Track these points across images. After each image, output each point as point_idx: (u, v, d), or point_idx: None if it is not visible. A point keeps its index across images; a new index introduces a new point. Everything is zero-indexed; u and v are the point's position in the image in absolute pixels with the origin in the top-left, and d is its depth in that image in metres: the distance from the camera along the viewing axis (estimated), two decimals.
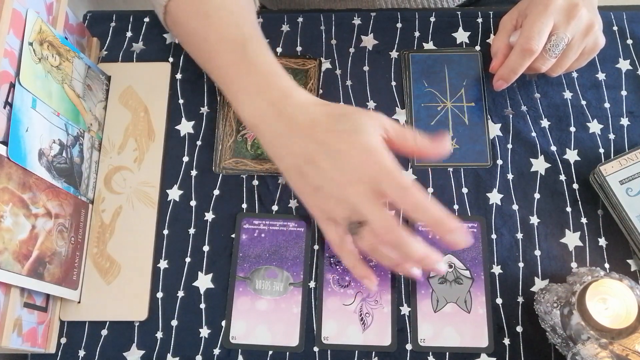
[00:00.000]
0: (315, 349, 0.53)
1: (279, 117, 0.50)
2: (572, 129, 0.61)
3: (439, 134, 0.50)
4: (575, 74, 0.63)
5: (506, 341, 0.53)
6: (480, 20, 0.66)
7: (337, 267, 0.55)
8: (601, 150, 0.60)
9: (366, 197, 0.46)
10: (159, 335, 0.54)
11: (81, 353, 0.53)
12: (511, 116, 0.61)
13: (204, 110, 0.62)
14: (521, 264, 0.56)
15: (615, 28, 0.65)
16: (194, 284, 0.55)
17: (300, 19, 0.66)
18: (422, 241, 0.47)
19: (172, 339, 0.54)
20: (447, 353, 0.53)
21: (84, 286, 0.54)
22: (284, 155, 0.50)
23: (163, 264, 0.56)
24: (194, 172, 0.59)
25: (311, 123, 0.49)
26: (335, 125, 0.48)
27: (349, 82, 0.63)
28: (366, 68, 0.63)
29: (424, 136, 0.50)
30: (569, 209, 0.57)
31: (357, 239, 0.49)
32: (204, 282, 0.55)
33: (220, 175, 0.59)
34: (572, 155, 0.60)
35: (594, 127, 0.61)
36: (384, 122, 0.49)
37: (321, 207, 0.50)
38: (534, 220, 0.57)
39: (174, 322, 0.54)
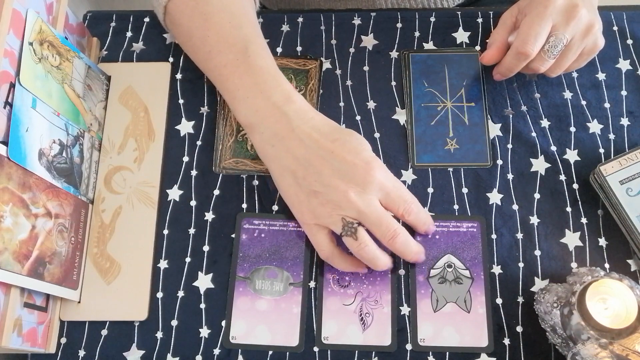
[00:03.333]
0: (315, 349, 0.53)
1: (280, 118, 0.51)
2: (572, 129, 0.61)
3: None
4: (575, 74, 0.63)
5: (506, 341, 0.53)
6: (480, 20, 0.66)
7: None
8: (601, 150, 0.60)
9: (370, 205, 0.49)
10: (159, 335, 0.54)
11: (81, 353, 0.53)
12: (511, 116, 0.61)
13: (204, 110, 0.62)
14: (521, 264, 0.56)
15: (615, 28, 0.65)
16: (194, 284, 0.55)
17: (300, 19, 0.66)
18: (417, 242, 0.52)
19: (172, 339, 0.54)
20: (447, 353, 0.53)
21: (84, 286, 0.54)
22: (281, 157, 0.51)
23: (163, 264, 0.56)
24: (194, 172, 0.59)
25: (312, 129, 0.51)
26: (338, 135, 0.51)
27: (349, 82, 0.63)
28: (366, 68, 0.63)
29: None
30: (569, 209, 0.57)
31: (350, 240, 0.50)
32: (204, 282, 0.55)
33: (220, 175, 0.59)
34: (572, 155, 0.60)
35: (594, 127, 0.61)
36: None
37: (315, 212, 0.50)
38: (534, 220, 0.57)
39: (174, 322, 0.54)
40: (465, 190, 0.58)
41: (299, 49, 0.64)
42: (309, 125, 0.51)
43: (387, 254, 0.52)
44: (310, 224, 0.51)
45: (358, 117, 0.61)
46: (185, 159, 0.60)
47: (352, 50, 0.64)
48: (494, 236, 0.57)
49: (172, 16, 0.57)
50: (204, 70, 0.57)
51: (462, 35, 0.65)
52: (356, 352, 0.53)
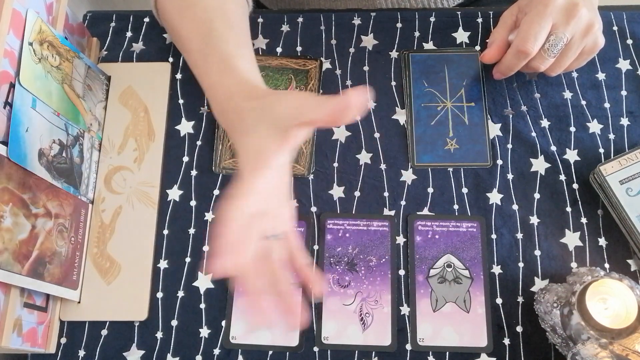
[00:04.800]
0: (315, 349, 0.53)
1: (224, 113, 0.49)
2: (572, 129, 0.61)
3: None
4: (575, 74, 0.63)
5: (506, 341, 0.53)
6: (480, 20, 0.66)
7: (337, 267, 0.55)
8: (601, 150, 0.60)
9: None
10: (159, 335, 0.54)
11: (81, 353, 0.53)
12: (511, 116, 0.61)
13: (204, 110, 0.62)
14: (521, 264, 0.56)
15: (615, 28, 0.65)
16: (194, 284, 0.55)
17: (300, 19, 0.66)
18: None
19: (172, 339, 0.54)
20: (447, 353, 0.53)
21: (84, 286, 0.54)
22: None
23: (163, 264, 0.56)
24: (194, 172, 0.59)
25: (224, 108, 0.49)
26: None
27: (349, 82, 0.63)
28: (366, 68, 0.63)
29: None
30: (569, 209, 0.57)
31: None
32: (204, 282, 0.55)
33: (220, 175, 0.59)
34: (572, 155, 0.59)
35: (594, 127, 0.61)
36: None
37: None
38: (534, 220, 0.57)
39: (174, 322, 0.54)
40: (465, 190, 0.58)
41: (299, 49, 0.64)
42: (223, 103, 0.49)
43: None
44: None
45: (358, 117, 0.61)
46: (185, 159, 0.60)
47: (352, 50, 0.64)
48: (493, 236, 0.56)
49: (161, 12, 0.58)
50: (190, 67, 0.56)
51: (462, 35, 0.65)
52: (356, 352, 0.53)
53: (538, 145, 0.60)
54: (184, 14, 0.54)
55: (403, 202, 0.58)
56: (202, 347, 0.53)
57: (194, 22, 0.53)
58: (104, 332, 0.54)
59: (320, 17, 0.66)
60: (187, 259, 0.56)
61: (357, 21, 0.66)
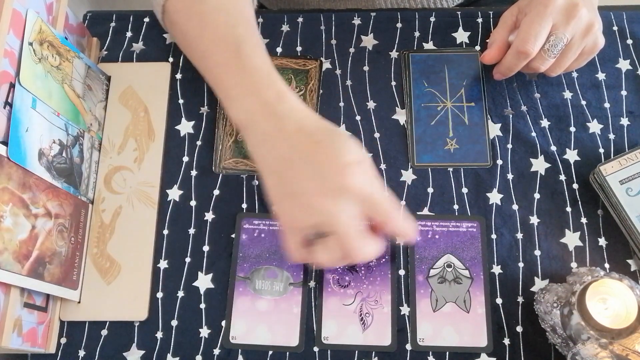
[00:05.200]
0: (315, 349, 0.53)
1: (269, 117, 0.49)
2: (572, 129, 0.61)
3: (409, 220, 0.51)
4: (575, 74, 0.63)
5: (506, 341, 0.53)
6: (480, 20, 0.66)
7: (337, 267, 0.55)
8: (601, 150, 0.60)
9: (341, 212, 0.46)
10: (159, 335, 0.54)
11: (81, 353, 0.53)
12: (511, 116, 0.61)
13: (204, 110, 0.62)
14: (521, 264, 0.56)
15: (615, 28, 0.65)
16: (194, 284, 0.55)
17: (300, 19, 0.66)
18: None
19: (172, 339, 0.54)
20: (447, 353, 0.53)
21: (84, 286, 0.54)
22: (267, 157, 0.49)
23: (163, 264, 0.56)
24: (194, 172, 0.59)
25: (298, 130, 0.49)
26: (324, 137, 0.48)
27: (349, 82, 0.63)
28: (366, 68, 0.63)
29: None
30: (569, 209, 0.57)
31: (316, 247, 0.48)
32: (204, 282, 0.55)
33: (220, 175, 0.59)
34: (572, 155, 0.60)
35: (594, 127, 0.61)
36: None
37: (290, 215, 0.49)
38: (534, 220, 0.57)
39: (174, 322, 0.54)
40: (465, 190, 0.58)
41: (298, 49, 0.64)
42: (297, 125, 0.49)
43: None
44: (288, 225, 0.49)
45: (358, 117, 0.61)
46: (185, 159, 0.60)
47: (352, 50, 0.64)
48: (493, 236, 0.57)
49: (170, 16, 0.57)
50: (200, 70, 0.57)
51: (462, 35, 0.65)
52: (356, 352, 0.53)
53: (538, 145, 0.60)
54: (204, 21, 0.54)
55: (403, 202, 0.58)
56: (202, 347, 0.53)
57: (218, 31, 0.53)
58: (104, 332, 0.54)
59: (320, 17, 0.66)
60: (187, 259, 0.56)
61: (357, 21, 0.66)
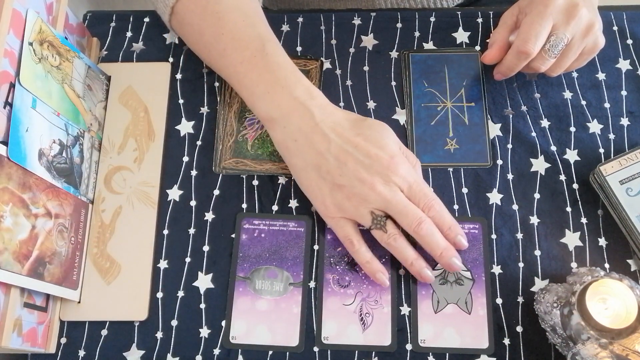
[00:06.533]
0: (315, 349, 0.53)
1: (304, 113, 0.52)
2: (572, 129, 0.61)
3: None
4: (575, 74, 0.63)
5: (506, 341, 0.53)
6: (480, 20, 0.66)
7: (337, 267, 0.55)
8: (601, 150, 0.60)
9: (395, 196, 0.50)
10: (159, 335, 0.54)
11: (81, 353, 0.53)
12: (511, 116, 0.61)
13: (204, 110, 0.62)
14: (521, 264, 0.56)
15: (615, 28, 0.65)
16: (194, 284, 0.55)
17: (300, 19, 0.66)
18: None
19: (172, 339, 0.54)
20: (447, 354, 0.53)
21: (84, 286, 0.54)
22: (304, 151, 0.51)
23: (163, 264, 0.56)
24: (194, 172, 0.59)
25: (336, 124, 0.52)
26: (361, 128, 0.51)
27: (349, 82, 0.63)
28: (366, 68, 0.63)
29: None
30: (569, 209, 0.57)
31: (380, 233, 0.51)
32: (204, 282, 0.55)
33: (220, 175, 0.59)
34: (572, 155, 0.60)
35: (594, 127, 0.61)
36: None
37: (341, 206, 0.51)
38: (534, 220, 0.57)
39: (174, 322, 0.54)
40: (465, 190, 0.58)
41: (298, 49, 0.64)
42: (332, 119, 0.52)
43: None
44: (336, 217, 0.52)
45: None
46: (185, 159, 0.60)
47: (352, 50, 0.64)
48: (493, 236, 0.57)
49: (181, 16, 0.57)
50: (217, 68, 0.57)
51: (462, 35, 0.65)
52: (356, 352, 0.53)
53: (538, 145, 0.60)
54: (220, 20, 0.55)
55: None
56: (202, 347, 0.53)
57: (238, 29, 0.54)
58: (104, 332, 0.54)
59: (320, 17, 0.66)
60: (187, 259, 0.56)
61: (357, 21, 0.66)
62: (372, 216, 0.50)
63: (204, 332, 0.54)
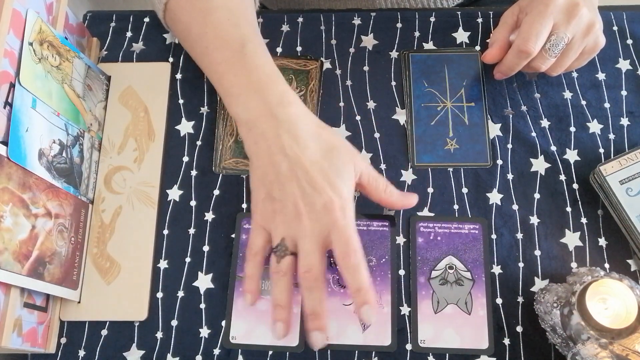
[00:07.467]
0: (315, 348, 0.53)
1: (270, 120, 0.50)
2: (572, 129, 0.61)
3: (409, 195, 0.54)
4: (575, 74, 0.63)
5: (506, 341, 0.53)
6: (480, 20, 0.66)
7: (337, 267, 0.55)
8: (601, 150, 0.60)
9: (313, 236, 0.48)
10: (159, 335, 0.54)
11: (81, 353, 0.53)
12: (511, 116, 0.61)
13: (204, 110, 0.62)
14: (521, 264, 0.56)
15: (615, 28, 0.65)
16: (194, 284, 0.55)
17: (300, 19, 0.66)
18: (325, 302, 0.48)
19: (172, 339, 0.54)
20: (447, 354, 0.53)
21: (84, 286, 0.54)
22: (260, 156, 0.50)
23: (163, 264, 0.56)
24: (194, 172, 0.59)
25: (297, 141, 0.49)
26: (323, 157, 0.49)
27: (349, 82, 0.63)
28: (366, 68, 0.63)
29: (393, 189, 0.53)
30: (569, 209, 0.57)
31: (275, 260, 0.49)
32: (204, 282, 0.55)
33: (220, 175, 0.59)
34: (572, 155, 0.60)
35: (594, 127, 0.61)
36: (362, 167, 0.51)
37: (265, 215, 0.50)
38: (534, 220, 0.57)
39: (174, 322, 0.54)
40: (465, 190, 0.58)
41: (298, 49, 0.64)
42: (296, 134, 0.49)
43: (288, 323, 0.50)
44: (256, 222, 0.51)
45: (358, 117, 0.61)
46: (185, 159, 0.60)
47: (352, 50, 0.64)
48: (493, 236, 0.56)
49: (173, 13, 0.57)
50: (201, 67, 0.57)
51: (462, 35, 0.65)
52: (356, 352, 0.53)
53: (538, 145, 0.60)
54: (207, 19, 0.54)
55: None
56: (202, 347, 0.53)
57: (221, 28, 0.53)
58: (104, 332, 0.54)
59: (320, 17, 0.66)
60: (187, 259, 0.56)
61: (357, 21, 0.66)
62: (280, 242, 0.49)
63: (204, 332, 0.54)
